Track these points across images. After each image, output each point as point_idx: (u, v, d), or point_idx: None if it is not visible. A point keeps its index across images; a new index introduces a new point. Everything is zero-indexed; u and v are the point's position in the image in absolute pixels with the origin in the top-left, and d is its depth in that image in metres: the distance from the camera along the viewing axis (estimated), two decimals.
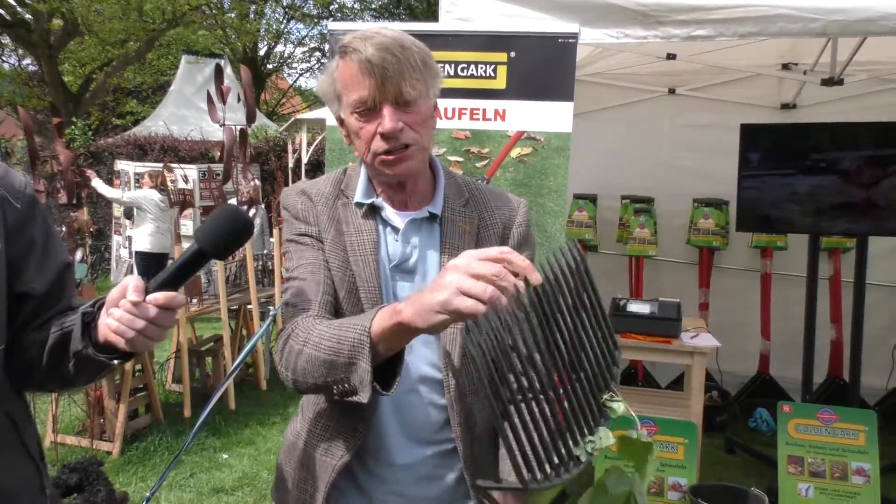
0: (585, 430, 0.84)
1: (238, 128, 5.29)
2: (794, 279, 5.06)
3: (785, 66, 4.78)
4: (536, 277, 0.91)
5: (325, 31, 22.92)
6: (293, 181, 7.41)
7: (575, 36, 2.60)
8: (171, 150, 11.58)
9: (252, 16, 18.65)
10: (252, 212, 6.63)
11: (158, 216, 7.17)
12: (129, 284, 1.06)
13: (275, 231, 5.89)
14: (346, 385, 1.13)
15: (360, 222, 1.34)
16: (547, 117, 2.70)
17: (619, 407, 0.88)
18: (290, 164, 8.03)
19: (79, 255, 8.31)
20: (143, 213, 7.33)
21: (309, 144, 8.61)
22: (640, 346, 3.60)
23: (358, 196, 1.36)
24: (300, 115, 9.20)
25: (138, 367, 4.79)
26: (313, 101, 25.66)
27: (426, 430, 1.34)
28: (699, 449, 3.56)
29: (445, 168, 1.44)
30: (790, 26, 2.43)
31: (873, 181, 3.76)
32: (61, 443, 4.48)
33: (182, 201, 6.00)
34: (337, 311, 1.31)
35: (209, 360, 5.53)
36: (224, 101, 5.10)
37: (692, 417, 3.57)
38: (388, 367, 1.14)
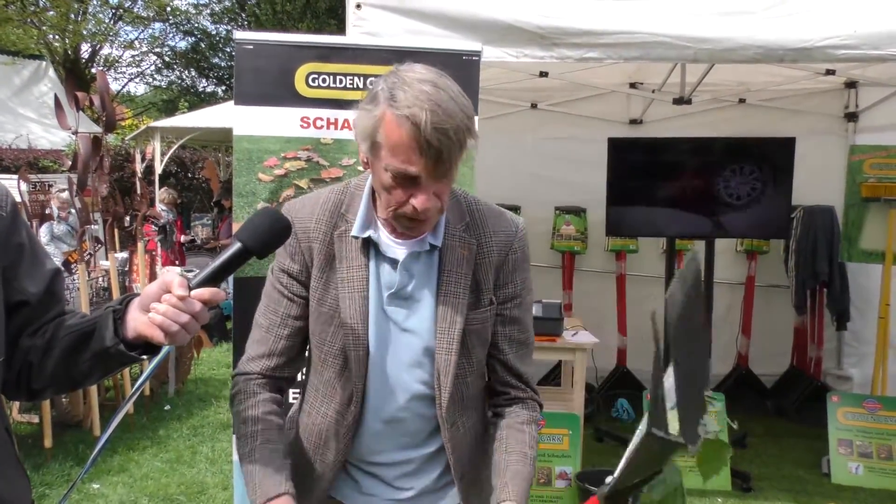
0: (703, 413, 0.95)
1: (91, 135, 4.98)
2: (645, 279, 5.56)
3: (632, 86, 5.26)
4: None
5: (158, 34, 21.73)
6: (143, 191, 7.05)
7: (478, 54, 2.73)
8: None
9: (74, 15, 17.26)
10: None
11: None
12: (172, 281, 1.08)
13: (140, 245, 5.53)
14: None
15: (352, 256, 1.34)
16: None
17: (717, 404, 1.00)
18: (139, 174, 7.64)
19: None
20: None
21: (163, 154, 8.14)
22: None
23: (356, 229, 1.33)
24: (154, 123, 8.70)
25: None
26: (143, 108, 24.15)
27: (415, 439, 1.42)
28: (582, 439, 3.83)
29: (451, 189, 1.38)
30: (668, 52, 2.74)
31: (723, 189, 4.25)
32: None
33: (41, 214, 5.50)
34: (309, 353, 1.43)
35: None
36: (79, 108, 4.79)
37: (574, 410, 3.82)
38: None
